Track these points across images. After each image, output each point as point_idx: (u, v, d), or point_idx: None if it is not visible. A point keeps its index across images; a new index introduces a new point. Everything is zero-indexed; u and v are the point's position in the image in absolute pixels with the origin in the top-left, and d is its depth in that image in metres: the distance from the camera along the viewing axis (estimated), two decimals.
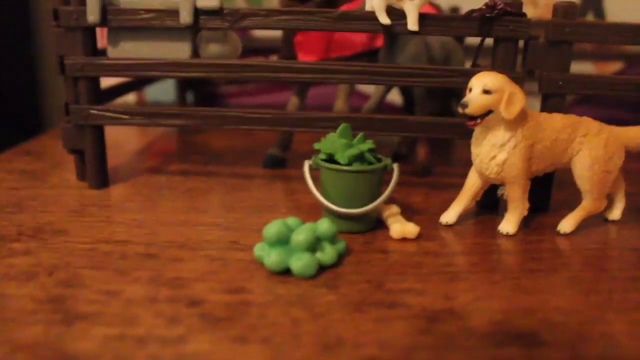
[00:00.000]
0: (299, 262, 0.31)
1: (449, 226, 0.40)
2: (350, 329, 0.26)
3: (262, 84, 0.82)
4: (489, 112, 0.36)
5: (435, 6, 0.59)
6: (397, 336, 0.26)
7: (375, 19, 0.41)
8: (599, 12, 0.78)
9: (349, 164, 0.37)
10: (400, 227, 0.38)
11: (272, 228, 0.32)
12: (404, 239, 0.38)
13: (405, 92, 0.59)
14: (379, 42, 0.51)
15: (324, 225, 0.33)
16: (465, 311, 0.28)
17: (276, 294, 0.30)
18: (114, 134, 0.64)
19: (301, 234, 0.32)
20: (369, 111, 0.54)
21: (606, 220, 0.42)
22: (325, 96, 0.78)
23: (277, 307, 0.28)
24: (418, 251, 0.36)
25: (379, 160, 0.39)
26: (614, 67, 0.80)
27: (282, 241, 0.32)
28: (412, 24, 0.40)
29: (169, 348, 0.25)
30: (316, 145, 0.39)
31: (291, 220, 0.34)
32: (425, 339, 0.26)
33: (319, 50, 0.51)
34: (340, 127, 0.39)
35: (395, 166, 0.40)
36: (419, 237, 0.38)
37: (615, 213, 0.42)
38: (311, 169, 0.39)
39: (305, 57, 0.51)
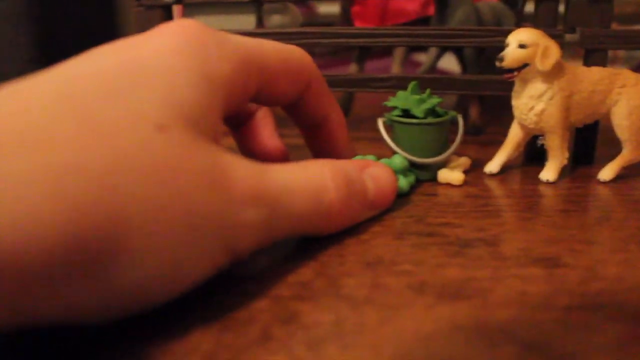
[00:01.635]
0: None
1: (493, 175, 0.44)
2: (390, 251, 0.30)
3: (331, 59, 0.86)
4: (525, 65, 0.39)
5: None
6: (430, 257, 0.30)
7: None
8: None
9: (424, 117, 0.41)
10: (446, 173, 0.41)
11: None
12: (450, 185, 0.41)
13: (461, 58, 0.62)
14: (431, 10, 0.55)
15: (397, 160, 0.39)
16: (495, 240, 0.32)
17: None
18: None
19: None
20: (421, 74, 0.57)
21: None
22: (383, 69, 0.82)
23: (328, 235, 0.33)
24: (461, 194, 0.39)
25: (446, 113, 0.42)
26: None
27: None
28: None
29: None
30: (390, 103, 0.43)
31: (369, 157, 0.39)
32: (455, 260, 0.29)
33: (375, 19, 0.55)
34: (411, 85, 0.42)
35: (460, 117, 0.43)
36: (465, 183, 0.41)
37: None
38: (384, 125, 0.43)
39: (362, 25, 0.55)
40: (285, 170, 0.27)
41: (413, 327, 0.23)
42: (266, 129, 0.38)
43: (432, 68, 0.57)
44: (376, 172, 0.33)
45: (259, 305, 0.25)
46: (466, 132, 0.55)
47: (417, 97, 0.41)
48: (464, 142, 0.53)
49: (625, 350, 0.22)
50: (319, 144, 0.38)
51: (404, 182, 0.39)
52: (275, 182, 0.26)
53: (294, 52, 0.33)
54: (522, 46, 0.38)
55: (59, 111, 0.20)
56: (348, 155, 0.38)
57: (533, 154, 0.45)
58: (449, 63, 0.80)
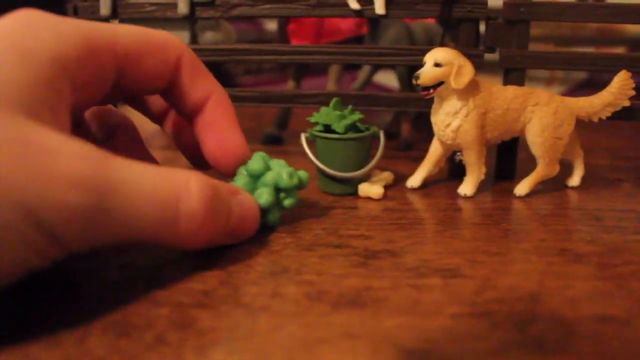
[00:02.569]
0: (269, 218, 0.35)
1: (415, 189, 0.45)
2: (296, 262, 0.31)
3: (275, 75, 0.87)
4: (441, 83, 0.40)
5: None
6: (334, 267, 0.31)
7: (348, 5, 0.45)
8: None
9: (344, 133, 0.42)
10: (366, 187, 0.42)
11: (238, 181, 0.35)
12: (370, 199, 0.42)
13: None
14: (364, 29, 0.56)
15: (285, 177, 0.35)
16: (401, 252, 0.33)
17: None
18: None
19: (262, 197, 0.34)
20: (354, 90, 0.58)
21: (566, 186, 0.46)
22: (321, 87, 0.83)
23: (239, 245, 0.33)
24: (378, 207, 0.41)
25: (368, 129, 0.43)
26: (617, 51, 0.83)
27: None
28: (379, 8, 0.44)
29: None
30: (312, 119, 0.43)
31: (278, 161, 0.36)
32: (358, 270, 0.30)
33: (311, 37, 0.56)
34: (333, 101, 0.43)
35: (381, 133, 0.44)
36: (385, 197, 0.43)
37: (575, 180, 0.46)
38: (307, 140, 0.44)
39: (298, 43, 0.56)
40: (137, 165, 0.26)
41: (303, 334, 0.24)
42: (223, 119, 0.35)
43: (366, 84, 0.59)
44: (244, 200, 0.32)
45: (159, 312, 0.26)
46: (397, 148, 0.57)
47: (339, 113, 0.42)
48: (394, 157, 0.54)
49: (505, 355, 0.23)
50: (207, 132, 0.35)
51: (290, 201, 0.36)
52: (117, 172, 0.25)
53: (155, 32, 0.32)
54: (437, 65, 0.40)
55: None
56: (239, 143, 0.35)
57: (456, 169, 0.47)
58: (388, 79, 0.81)
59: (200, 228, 0.28)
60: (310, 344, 0.23)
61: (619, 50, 0.81)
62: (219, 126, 0.35)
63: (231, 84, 0.87)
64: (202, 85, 0.34)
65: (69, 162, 0.23)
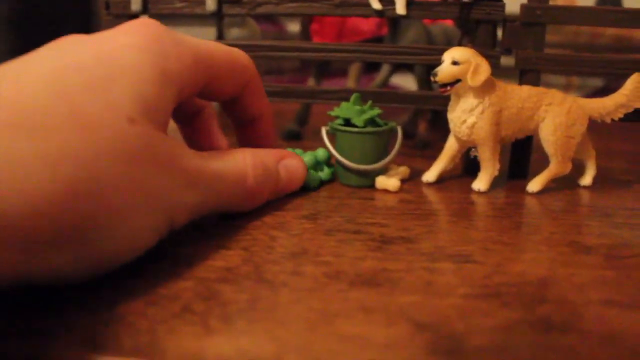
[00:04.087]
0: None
1: (430, 184, 0.46)
2: (315, 245, 0.33)
3: (295, 75, 0.89)
4: (458, 80, 0.42)
5: None
6: (351, 250, 0.32)
7: (370, 5, 0.47)
8: (616, 4, 0.81)
9: (363, 127, 0.43)
10: (383, 180, 0.44)
11: None
12: (386, 191, 0.44)
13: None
14: (384, 30, 0.58)
15: (321, 152, 0.46)
16: (416, 238, 0.34)
17: (263, 221, 0.36)
18: None
19: (306, 157, 0.43)
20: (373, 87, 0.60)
21: (578, 185, 0.47)
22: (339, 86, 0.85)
23: (261, 229, 0.35)
24: (395, 199, 0.42)
25: (386, 124, 0.45)
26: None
27: None
28: (400, 8, 0.46)
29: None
30: (333, 113, 0.45)
31: (297, 151, 0.45)
32: (374, 254, 0.32)
33: (332, 37, 0.58)
34: (353, 97, 0.45)
35: (399, 128, 0.46)
36: (402, 190, 0.44)
37: (587, 179, 0.47)
38: (328, 134, 0.46)
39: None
40: (218, 158, 0.33)
41: (322, 307, 0.26)
42: (214, 126, 0.41)
43: (385, 85, 0.60)
44: (290, 164, 0.40)
45: (185, 284, 0.27)
46: (414, 146, 0.58)
47: (359, 107, 0.44)
48: (411, 155, 0.56)
49: (512, 331, 0.24)
50: (250, 138, 0.41)
51: (328, 171, 0.46)
52: (211, 169, 0.31)
53: (238, 54, 0.36)
54: (455, 63, 0.41)
55: (48, 101, 0.24)
56: (274, 147, 0.41)
57: (471, 165, 0.48)
58: (405, 81, 0.83)
59: (256, 195, 0.36)
60: (328, 315, 0.25)
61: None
62: (267, 134, 0.41)
63: None
64: (259, 103, 0.39)
65: (185, 168, 0.29)
